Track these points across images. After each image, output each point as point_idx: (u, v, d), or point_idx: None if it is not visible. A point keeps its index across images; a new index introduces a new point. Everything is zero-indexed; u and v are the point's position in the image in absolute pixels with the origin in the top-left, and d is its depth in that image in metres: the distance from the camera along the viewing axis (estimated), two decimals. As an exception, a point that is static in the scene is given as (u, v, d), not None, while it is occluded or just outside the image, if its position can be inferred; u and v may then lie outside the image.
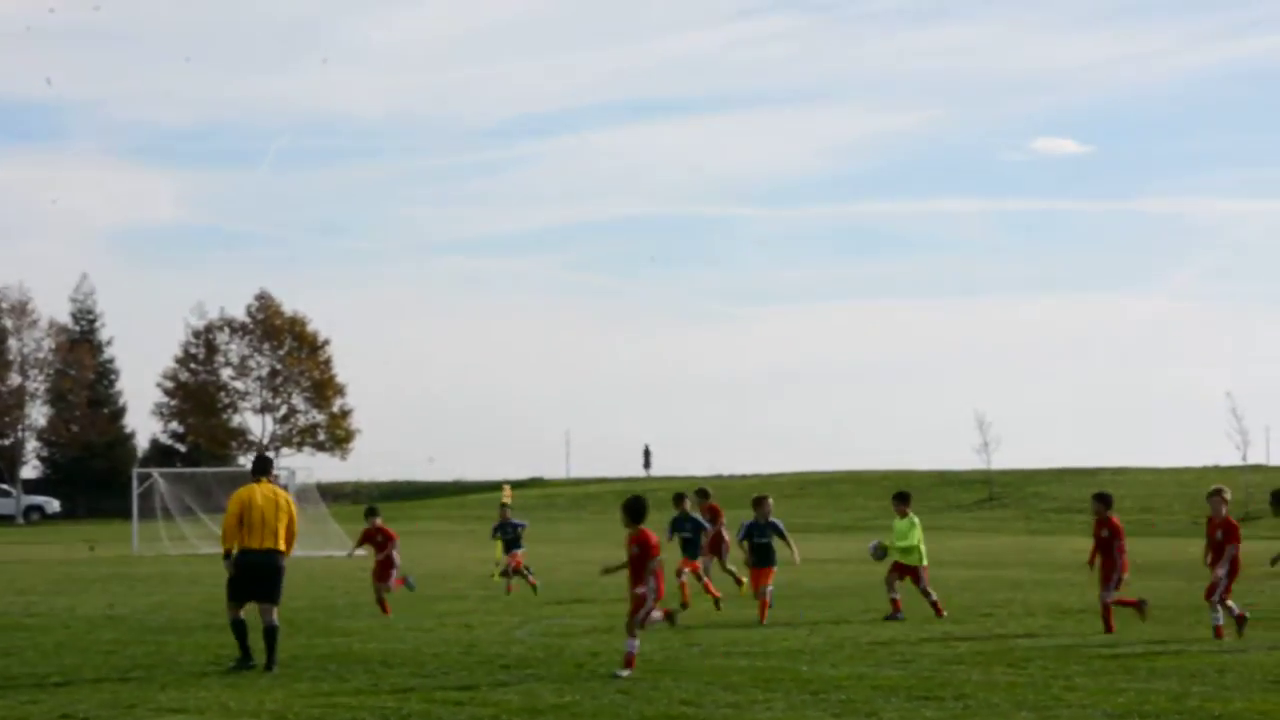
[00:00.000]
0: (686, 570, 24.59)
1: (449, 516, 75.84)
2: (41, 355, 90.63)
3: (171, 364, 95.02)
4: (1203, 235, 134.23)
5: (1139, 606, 20.11)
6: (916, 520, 22.53)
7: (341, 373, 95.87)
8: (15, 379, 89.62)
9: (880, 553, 23.23)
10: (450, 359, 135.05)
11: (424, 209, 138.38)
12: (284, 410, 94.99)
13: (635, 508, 16.21)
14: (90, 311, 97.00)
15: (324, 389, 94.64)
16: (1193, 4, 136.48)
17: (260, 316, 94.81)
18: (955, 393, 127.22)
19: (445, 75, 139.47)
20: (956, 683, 15.01)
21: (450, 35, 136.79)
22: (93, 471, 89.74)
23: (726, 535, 26.75)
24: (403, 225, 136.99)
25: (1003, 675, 15.59)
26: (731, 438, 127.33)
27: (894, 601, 22.12)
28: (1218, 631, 18.49)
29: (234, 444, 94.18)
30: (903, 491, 23.39)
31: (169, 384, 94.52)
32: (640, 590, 15.93)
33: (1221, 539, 18.69)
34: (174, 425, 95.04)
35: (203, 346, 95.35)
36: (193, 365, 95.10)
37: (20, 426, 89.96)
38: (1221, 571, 18.57)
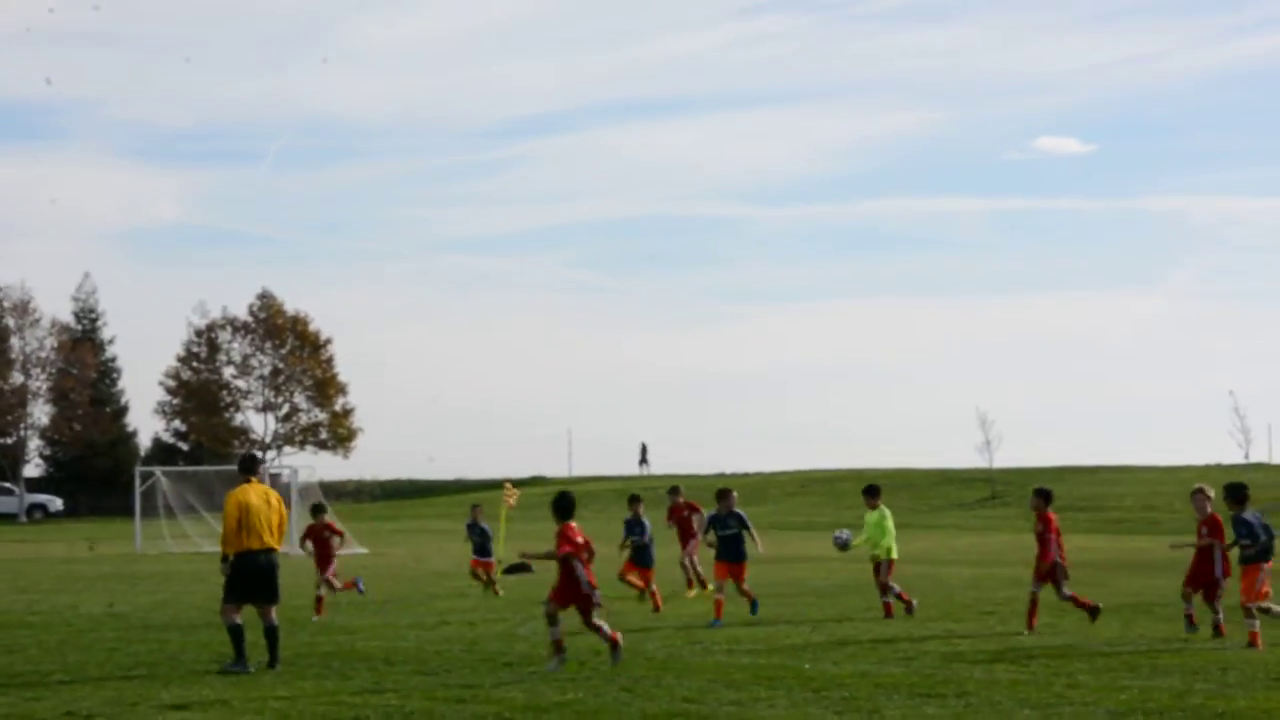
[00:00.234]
0: (633, 576, 24.67)
1: (451, 515, 75.82)
2: (44, 354, 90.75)
3: (173, 363, 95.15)
4: (1205, 234, 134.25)
5: (1092, 610, 20.00)
6: (888, 513, 22.49)
7: (343, 372, 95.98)
8: (18, 378, 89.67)
9: (845, 543, 23.16)
10: (452, 357, 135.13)
11: (425, 208, 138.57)
12: (286, 409, 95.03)
13: (560, 503, 16.18)
14: (92, 310, 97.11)
15: (326, 388, 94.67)
16: (1195, 4, 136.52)
17: (262, 315, 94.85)
18: (957, 391, 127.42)
19: (446, 75, 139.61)
20: (958, 680, 15.02)
21: (450, 35, 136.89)
22: (95, 470, 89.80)
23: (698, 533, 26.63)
24: (404, 224, 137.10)
25: (1005, 673, 15.60)
26: (733, 436, 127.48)
27: (899, 596, 22.16)
28: (1218, 629, 18.43)
29: (236, 443, 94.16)
30: (872, 485, 23.33)
31: (171, 383, 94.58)
32: (583, 590, 16.04)
33: (1209, 536, 18.66)
34: (176, 424, 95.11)
35: (205, 345, 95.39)
36: (195, 364, 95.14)
37: (23, 425, 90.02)
38: (1218, 571, 18.52)
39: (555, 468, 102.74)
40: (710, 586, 25.51)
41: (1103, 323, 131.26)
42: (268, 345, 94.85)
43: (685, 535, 26.86)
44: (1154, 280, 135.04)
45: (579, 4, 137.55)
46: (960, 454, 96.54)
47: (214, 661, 17.02)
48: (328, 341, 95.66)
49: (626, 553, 25.19)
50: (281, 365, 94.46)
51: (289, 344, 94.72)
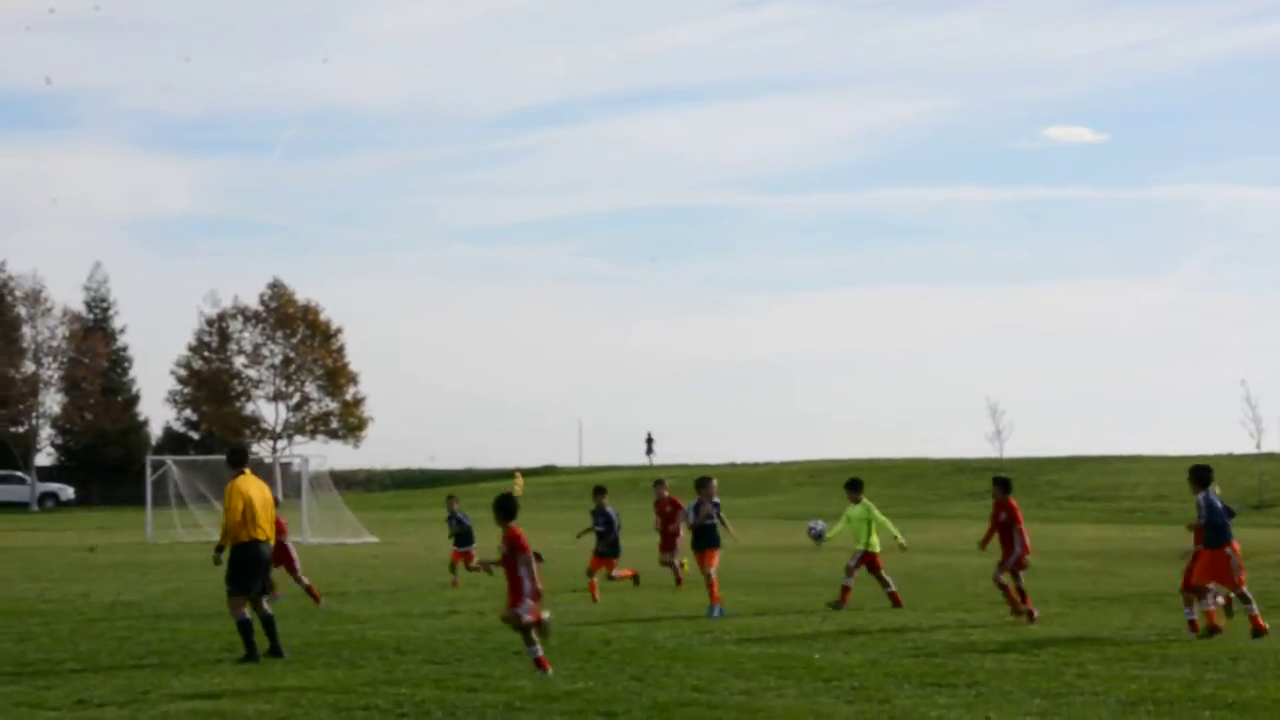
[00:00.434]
0: (599, 570, 24.56)
1: (462, 504, 75.86)
2: (55, 343, 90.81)
3: (185, 352, 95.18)
4: (1216, 223, 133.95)
5: (1029, 616, 19.83)
6: (871, 505, 22.45)
7: (354, 361, 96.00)
8: (29, 367, 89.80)
9: (819, 534, 23.17)
10: (461, 347, 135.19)
11: (434, 197, 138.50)
12: (297, 398, 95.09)
13: (502, 505, 15.40)
14: (104, 300, 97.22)
15: (336, 377, 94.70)
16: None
17: (273, 305, 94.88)
18: (967, 381, 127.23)
19: (454, 64, 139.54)
20: (969, 670, 15.02)
21: (459, 24, 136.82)
22: (106, 459, 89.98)
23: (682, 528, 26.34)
24: (414, 214, 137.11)
25: (1015, 663, 15.60)
26: (742, 425, 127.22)
27: (890, 595, 22.11)
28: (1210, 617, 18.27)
29: (247, 432, 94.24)
30: (855, 479, 23.28)
31: (182, 372, 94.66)
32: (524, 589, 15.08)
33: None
34: (187, 413, 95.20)
35: (216, 334, 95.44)
36: (206, 353, 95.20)
37: (34, 414, 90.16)
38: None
39: (566, 457, 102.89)
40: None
41: (1114, 312, 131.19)
42: (278, 334, 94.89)
43: (668, 532, 26.64)
44: (1165, 269, 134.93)
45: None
46: (970, 443, 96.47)
47: (225, 651, 17.06)
48: (338, 331, 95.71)
49: (586, 542, 24.94)
50: (292, 354, 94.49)
51: (300, 333, 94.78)
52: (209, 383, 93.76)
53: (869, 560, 22.26)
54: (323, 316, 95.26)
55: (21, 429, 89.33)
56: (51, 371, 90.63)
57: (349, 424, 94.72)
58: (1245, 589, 17.95)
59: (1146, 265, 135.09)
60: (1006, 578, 20.13)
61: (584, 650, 16.97)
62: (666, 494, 27.27)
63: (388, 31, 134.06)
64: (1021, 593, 20.01)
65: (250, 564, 16.59)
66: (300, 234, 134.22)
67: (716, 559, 21.94)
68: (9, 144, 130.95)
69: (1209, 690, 13.57)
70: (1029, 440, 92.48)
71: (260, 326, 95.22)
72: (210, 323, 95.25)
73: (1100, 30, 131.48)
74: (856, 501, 22.41)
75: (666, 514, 27.05)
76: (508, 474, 53.65)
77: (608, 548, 24.85)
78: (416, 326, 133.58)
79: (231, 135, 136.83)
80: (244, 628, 16.41)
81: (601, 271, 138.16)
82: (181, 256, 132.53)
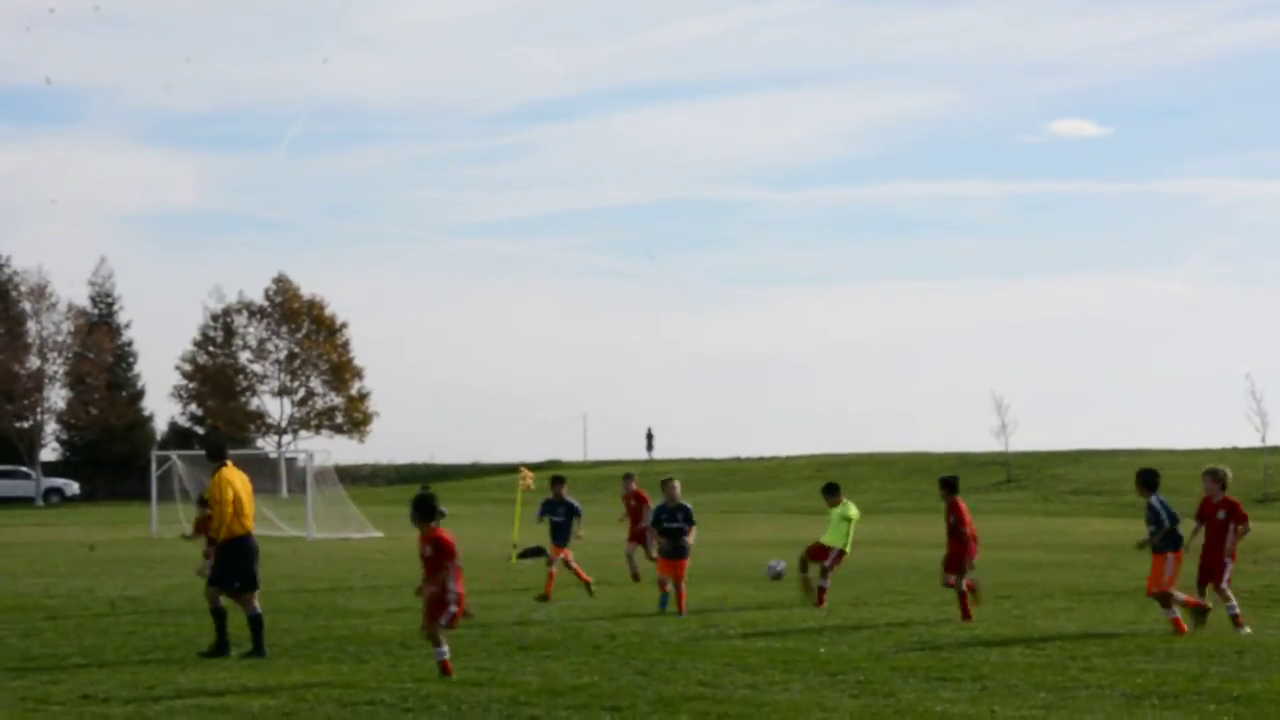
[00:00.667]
0: (559, 557, 23.89)
1: (466, 499, 75.88)
2: (60, 338, 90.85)
3: (190, 347, 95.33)
4: (1222, 217, 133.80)
5: (967, 611, 19.60)
6: (849, 503, 22.21)
7: (359, 356, 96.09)
8: (34, 362, 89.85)
9: (778, 574, 23.06)
10: (467, 341, 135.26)
11: (439, 193, 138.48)
12: (302, 393, 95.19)
13: (423, 506, 14.84)
14: (109, 295, 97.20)
15: (342, 372, 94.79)
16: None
17: (278, 300, 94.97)
18: (973, 375, 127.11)
19: (459, 60, 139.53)
20: (974, 664, 15.01)
21: (464, 20, 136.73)
22: (112, 454, 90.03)
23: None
24: (418, 209, 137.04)
25: (1021, 656, 15.59)
26: (748, 420, 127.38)
27: (823, 588, 21.97)
28: (1237, 620, 18.10)
29: (252, 427, 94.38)
30: (831, 483, 23.14)
31: (187, 367, 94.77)
32: (433, 590, 14.62)
33: (1225, 519, 18.46)
34: (193, 408, 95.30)
35: (221, 330, 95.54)
36: (211, 348, 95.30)
37: (39, 409, 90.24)
38: (1227, 558, 18.31)
39: (571, 452, 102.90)
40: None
41: (1119, 306, 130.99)
42: (283, 329, 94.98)
43: (636, 525, 26.51)
44: (1171, 263, 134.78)
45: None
46: (976, 438, 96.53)
47: (231, 645, 17.04)
48: (343, 326, 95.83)
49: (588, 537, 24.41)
50: (297, 349, 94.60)
51: (305, 328, 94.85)
52: (214, 378, 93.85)
53: (823, 553, 21.97)
54: (328, 311, 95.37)
55: (26, 424, 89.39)
56: (57, 367, 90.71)
57: (354, 419, 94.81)
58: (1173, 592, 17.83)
59: (1152, 259, 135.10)
60: (955, 579, 19.72)
61: (589, 645, 16.96)
62: (635, 487, 27.25)
63: (391, 27, 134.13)
64: (963, 595, 19.54)
65: (240, 557, 16.60)
66: (305, 229, 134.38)
67: (682, 570, 21.00)
68: (13, 140, 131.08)
69: (1214, 684, 13.56)
70: (1035, 434, 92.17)
71: (265, 321, 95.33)
72: (215, 318, 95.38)
73: (1105, 25, 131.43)
74: (835, 505, 22.30)
75: (633, 508, 26.99)
76: (513, 469, 53.56)
77: (563, 537, 23.99)
78: (421, 321, 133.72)
79: (236, 131, 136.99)
80: (220, 616, 16.43)
81: (606, 266, 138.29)
82: (186, 252, 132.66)
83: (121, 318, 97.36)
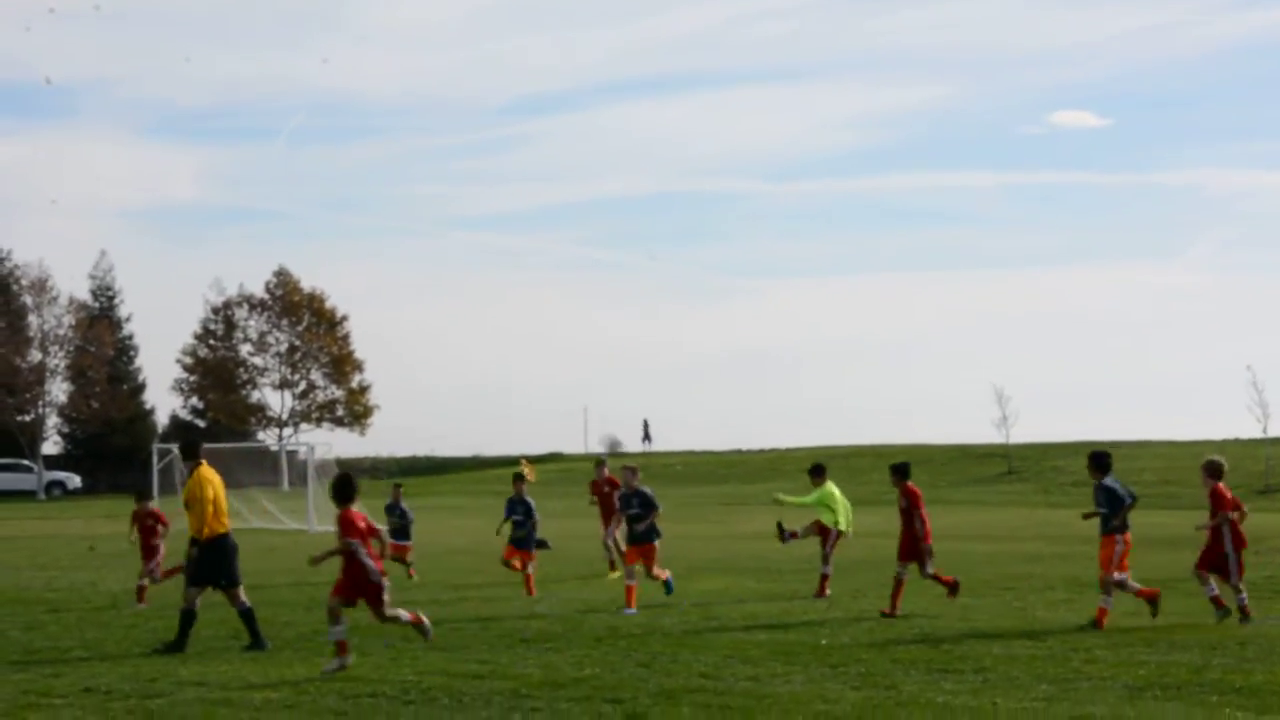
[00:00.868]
0: (515, 560, 23.36)
1: (467, 491, 75.93)
2: (62, 332, 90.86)
3: (191, 340, 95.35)
4: (1222, 207, 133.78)
5: (952, 586, 19.83)
6: (832, 486, 22.14)
7: (359, 348, 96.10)
8: (36, 355, 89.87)
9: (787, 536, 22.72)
10: (467, 334, 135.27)
11: (438, 186, 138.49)
12: (303, 386, 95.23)
13: (340, 487, 14.90)
14: (109, 288, 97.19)
15: (342, 365, 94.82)
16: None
17: (279, 293, 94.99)
18: (973, 366, 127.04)
19: (457, 53, 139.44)
20: (976, 656, 15.01)
21: (462, 13, 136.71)
22: (113, 447, 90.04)
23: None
24: (417, 202, 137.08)
25: (1022, 648, 15.58)
26: (749, 412, 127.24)
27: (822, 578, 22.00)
28: (1244, 610, 18.04)
29: (253, 420, 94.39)
30: (818, 464, 23.12)
31: (188, 360, 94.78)
32: (370, 580, 14.83)
33: (1219, 511, 18.36)
34: (194, 401, 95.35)
35: (222, 323, 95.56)
36: (212, 341, 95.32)
37: (41, 403, 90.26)
38: (1226, 547, 18.19)
39: (572, 444, 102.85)
40: (617, 572, 24.92)
41: (1120, 297, 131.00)
42: (284, 322, 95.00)
43: (607, 512, 26.27)
44: (1172, 254, 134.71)
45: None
46: (976, 429, 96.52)
47: (232, 638, 17.06)
48: (344, 319, 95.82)
49: (505, 535, 23.88)
50: (298, 342, 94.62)
51: (305, 321, 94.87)
52: (215, 371, 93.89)
53: (824, 532, 22.04)
54: (328, 304, 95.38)
55: (28, 417, 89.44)
56: (58, 360, 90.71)
57: (354, 412, 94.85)
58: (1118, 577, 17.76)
59: (1152, 250, 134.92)
60: (931, 565, 19.53)
61: (590, 637, 16.97)
62: (607, 474, 27.12)
63: (389, 21, 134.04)
64: (899, 585, 19.29)
65: (221, 555, 16.57)
66: (305, 222, 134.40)
67: (652, 556, 20.59)
68: (14, 134, 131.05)
69: (1216, 675, 13.55)
70: (1035, 426, 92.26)
71: (266, 314, 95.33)
72: (216, 311, 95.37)
73: (1104, 15, 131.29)
74: (819, 485, 22.31)
75: (604, 494, 26.88)
76: (514, 461, 53.62)
77: (524, 538, 23.57)
78: (420, 314, 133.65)
79: (236, 124, 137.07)
80: (190, 618, 16.36)
81: (605, 259, 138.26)
82: (187, 245, 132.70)
83: (122, 311, 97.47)
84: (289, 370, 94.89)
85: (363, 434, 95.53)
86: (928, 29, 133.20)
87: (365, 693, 13.14)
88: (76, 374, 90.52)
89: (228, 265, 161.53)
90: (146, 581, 22.15)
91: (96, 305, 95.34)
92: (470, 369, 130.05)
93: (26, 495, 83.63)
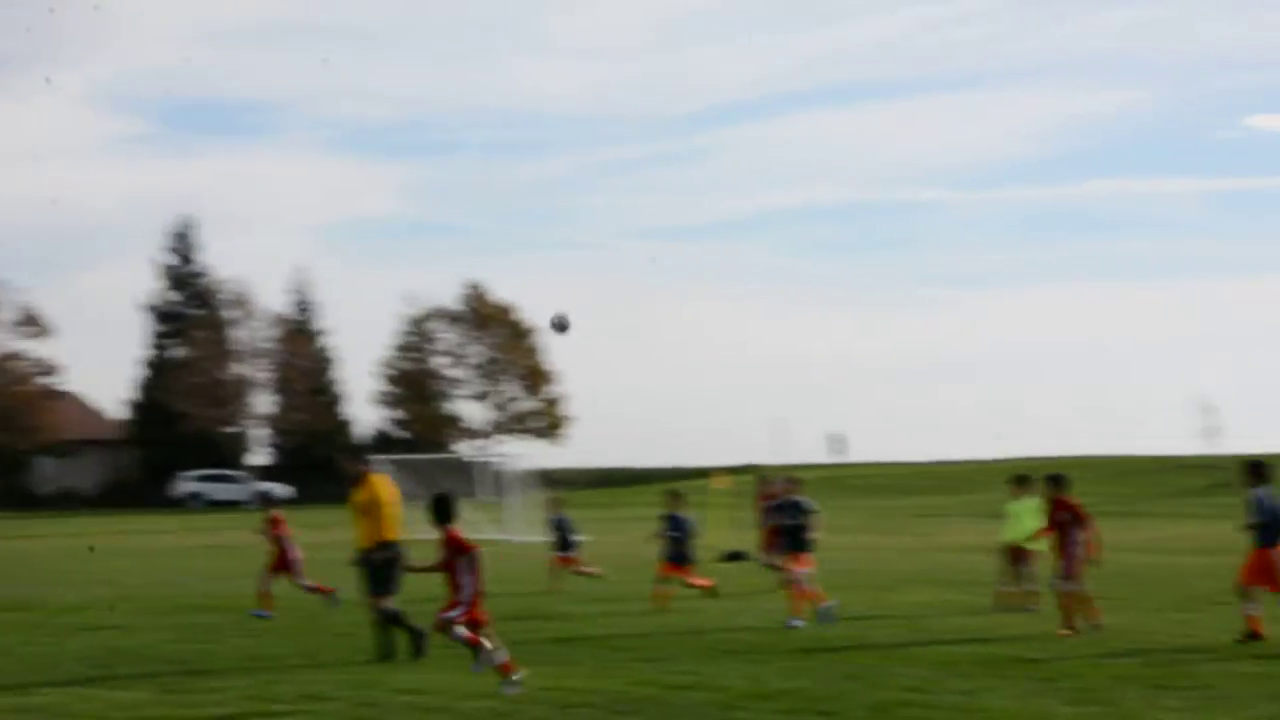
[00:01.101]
0: (672, 576, 22.97)
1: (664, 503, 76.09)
2: (263, 345, 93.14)
3: (388, 352, 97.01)
4: None
5: (1072, 627, 18.77)
6: (1032, 504, 21.49)
7: (553, 360, 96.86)
8: (240, 369, 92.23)
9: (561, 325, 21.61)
10: (660, 346, 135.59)
11: (626, 197, 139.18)
12: (498, 397, 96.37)
13: (440, 506, 14.68)
14: (308, 302, 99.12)
15: (536, 376, 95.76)
16: None
17: (471, 305, 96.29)
18: (1174, 377, 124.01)
19: (640, 64, 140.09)
20: (1196, 672, 14.62)
21: (645, 23, 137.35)
22: (316, 458, 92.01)
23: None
24: (605, 213, 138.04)
25: (1245, 666, 15.13)
26: (944, 423, 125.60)
27: (1001, 594, 21.49)
28: None
29: (451, 431, 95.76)
30: (1021, 475, 22.63)
31: (386, 372, 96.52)
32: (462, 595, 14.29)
33: None
34: (393, 413, 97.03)
35: (417, 335, 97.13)
36: (408, 354, 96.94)
37: (246, 415, 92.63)
38: None
39: (768, 456, 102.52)
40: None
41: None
42: (478, 334, 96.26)
43: (768, 529, 25.59)
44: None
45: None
46: (1180, 441, 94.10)
47: (446, 646, 17.24)
48: (536, 330, 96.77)
49: (659, 549, 23.50)
50: (492, 354, 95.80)
51: (498, 333, 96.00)
52: (412, 383, 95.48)
53: (1023, 557, 21.59)
54: (520, 316, 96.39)
55: (234, 429, 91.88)
56: (261, 373, 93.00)
57: (550, 423, 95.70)
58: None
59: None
60: (1063, 584, 18.81)
61: (796, 649, 16.89)
62: (775, 488, 25.73)
63: (573, 32, 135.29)
64: (1073, 602, 18.61)
65: (389, 564, 16.87)
66: (495, 235, 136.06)
67: (804, 564, 20.32)
68: (212, 152, 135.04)
69: None
70: (1243, 437, 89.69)
71: (460, 326, 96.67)
72: (411, 323, 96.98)
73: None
74: (1018, 498, 21.87)
75: (767, 510, 26.07)
76: (709, 473, 53.68)
77: (678, 554, 23.25)
78: (612, 325, 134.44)
79: (428, 138, 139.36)
80: (395, 617, 16.67)
81: (795, 269, 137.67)
82: (382, 259, 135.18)
83: (321, 325, 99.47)
84: (484, 382, 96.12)
85: (560, 445, 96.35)
86: (1115, 34, 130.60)
87: (576, 702, 13.21)
88: (280, 386, 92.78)
89: (422, 278, 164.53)
90: (307, 583, 23.04)
91: (296, 319, 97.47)
92: (664, 379, 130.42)
93: (235, 505, 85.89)
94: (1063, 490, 19.35)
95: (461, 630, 14.14)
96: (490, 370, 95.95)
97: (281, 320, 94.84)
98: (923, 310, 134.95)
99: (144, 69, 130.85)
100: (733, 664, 15.62)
